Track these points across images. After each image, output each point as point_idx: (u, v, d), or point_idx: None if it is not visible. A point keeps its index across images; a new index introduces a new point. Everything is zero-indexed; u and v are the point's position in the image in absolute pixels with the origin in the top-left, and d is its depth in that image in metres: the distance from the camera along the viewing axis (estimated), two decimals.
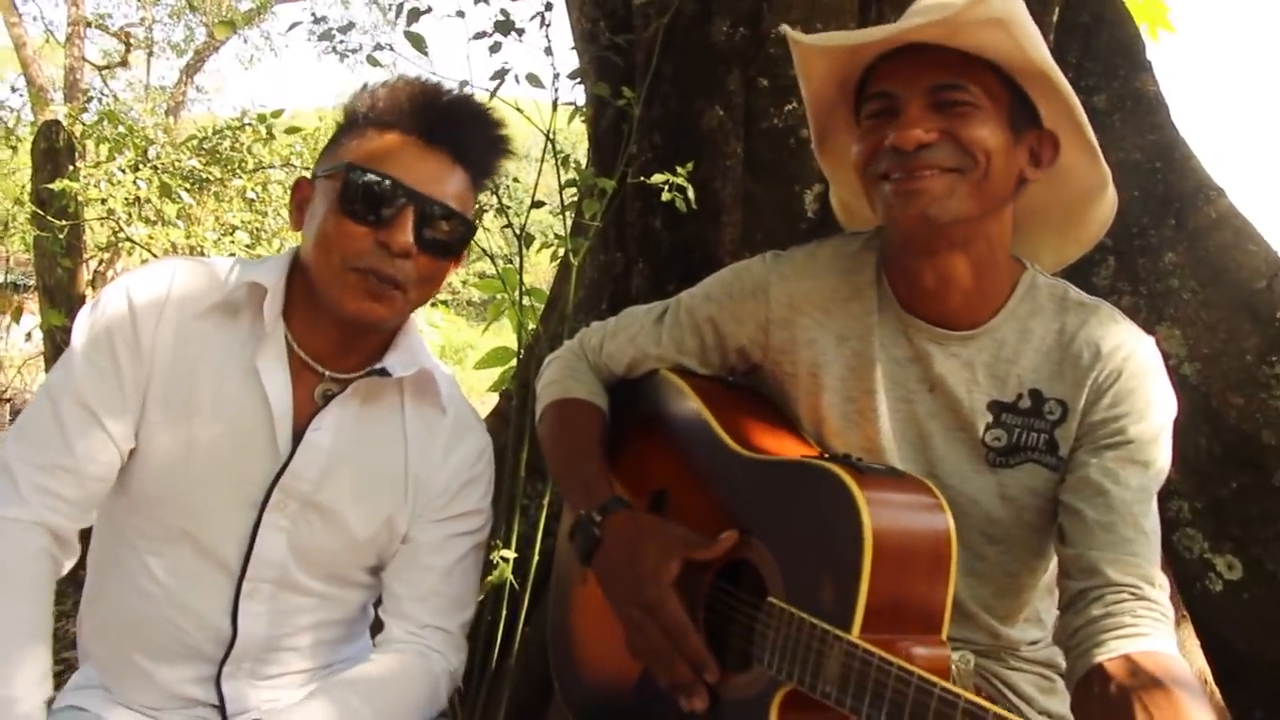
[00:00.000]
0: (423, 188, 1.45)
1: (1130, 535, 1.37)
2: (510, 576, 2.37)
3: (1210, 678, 2.29)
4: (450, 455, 1.63)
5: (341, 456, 1.53)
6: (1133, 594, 1.33)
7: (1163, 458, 1.44)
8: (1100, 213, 1.58)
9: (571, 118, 2.78)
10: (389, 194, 1.43)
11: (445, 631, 1.63)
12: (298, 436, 1.50)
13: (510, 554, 2.37)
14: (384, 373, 1.54)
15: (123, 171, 5.56)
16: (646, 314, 1.75)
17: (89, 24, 18.63)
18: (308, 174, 1.55)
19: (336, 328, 1.51)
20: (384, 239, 1.42)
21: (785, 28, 1.51)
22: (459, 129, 1.50)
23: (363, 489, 1.55)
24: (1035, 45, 1.41)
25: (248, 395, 1.48)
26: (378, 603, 1.68)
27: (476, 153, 1.53)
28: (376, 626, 1.68)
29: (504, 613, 2.41)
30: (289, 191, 1.54)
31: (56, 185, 4.76)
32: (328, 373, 1.54)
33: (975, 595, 1.53)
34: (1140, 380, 1.44)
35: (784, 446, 1.53)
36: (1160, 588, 1.35)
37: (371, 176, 1.43)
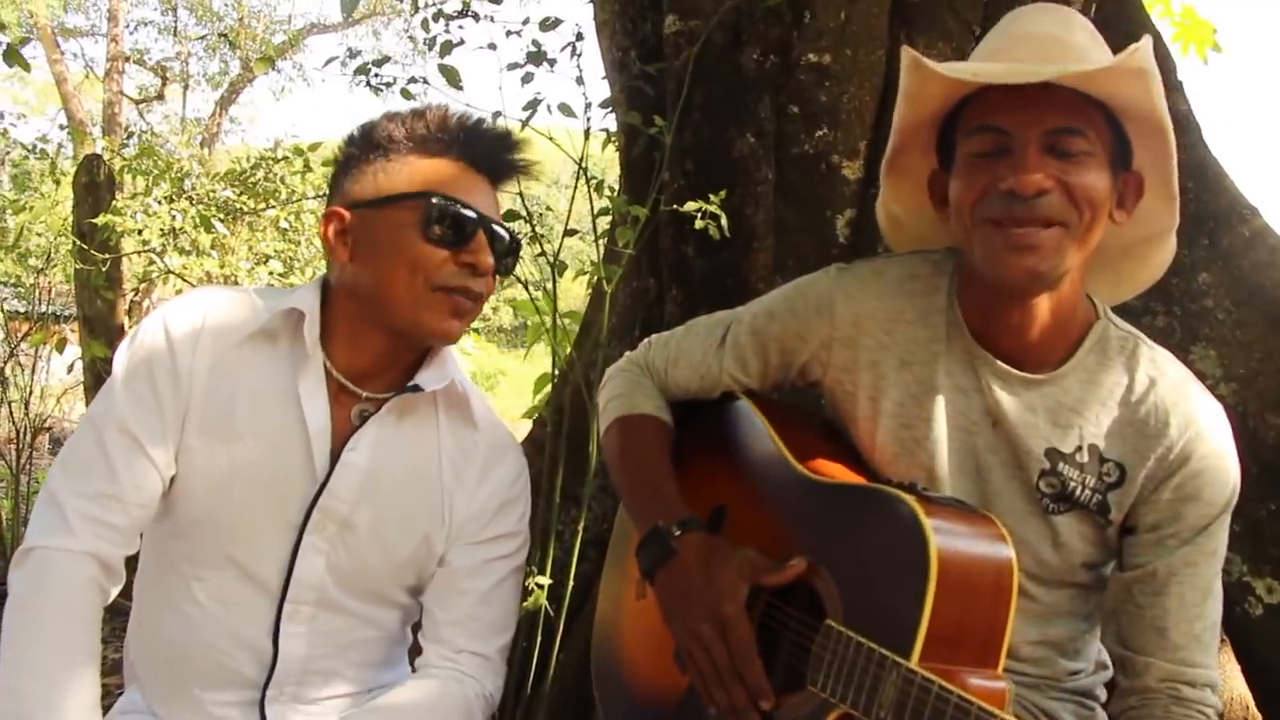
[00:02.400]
0: (487, 213, 1.53)
1: (1181, 642, 1.41)
2: (545, 603, 2.37)
3: (1251, 703, 2.26)
4: (486, 477, 1.65)
5: (378, 476, 1.55)
6: (1169, 694, 1.41)
7: (1225, 536, 1.47)
8: (1161, 256, 1.58)
9: (605, 144, 2.80)
10: (469, 219, 1.50)
11: (482, 656, 1.63)
12: (335, 458, 1.53)
13: (545, 580, 2.38)
14: (417, 389, 1.57)
15: (159, 203, 5.65)
16: (707, 337, 1.73)
17: (128, 59, 18.99)
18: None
19: (384, 348, 1.55)
20: (469, 260, 1.49)
21: (911, 52, 1.44)
22: (500, 157, 1.58)
23: (400, 508, 1.58)
24: (1163, 96, 1.38)
25: (286, 418, 1.51)
26: (416, 627, 1.69)
27: (507, 178, 1.61)
28: (415, 651, 1.69)
29: (539, 639, 2.41)
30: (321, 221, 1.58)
31: (100, 220, 4.84)
32: (365, 394, 1.57)
33: (1021, 632, 1.50)
34: (1209, 462, 1.43)
35: (848, 473, 1.53)
36: (1205, 686, 1.41)
37: (454, 205, 1.49)
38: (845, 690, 1.23)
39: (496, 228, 1.54)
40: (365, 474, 1.54)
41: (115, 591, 1.50)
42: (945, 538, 1.24)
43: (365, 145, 1.55)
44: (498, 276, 1.57)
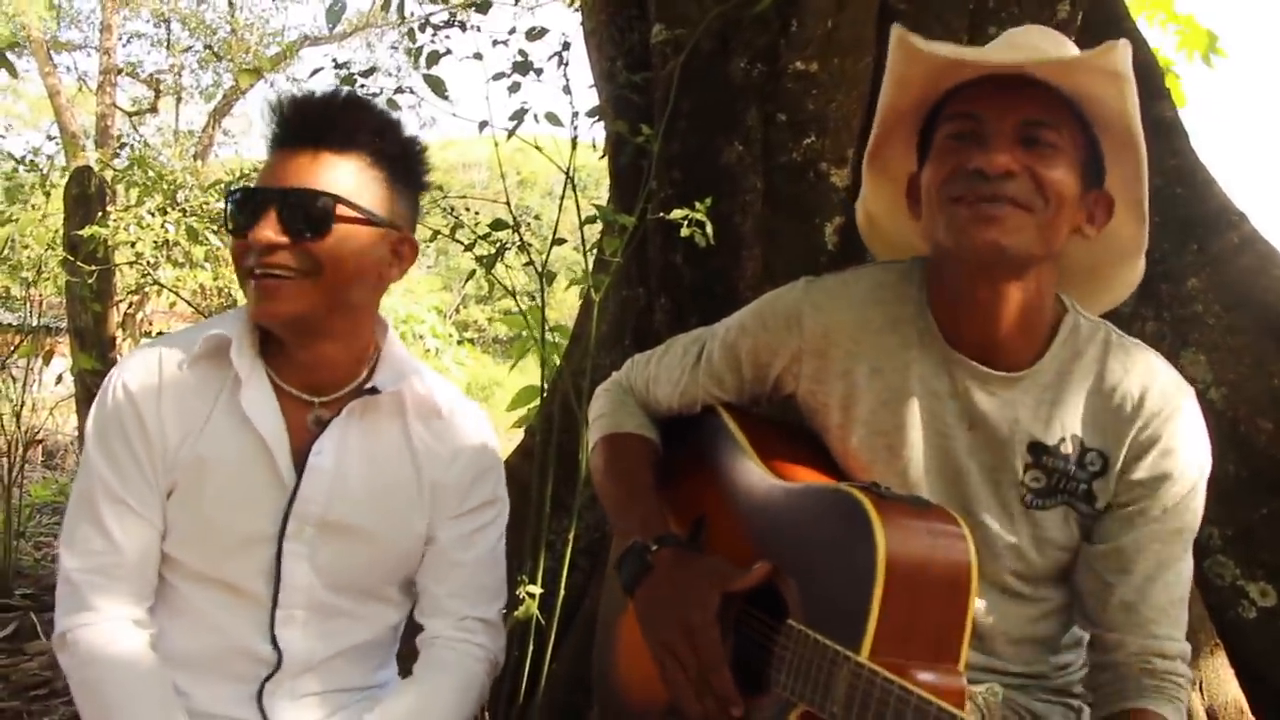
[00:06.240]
0: (283, 183, 1.50)
1: (1151, 616, 1.44)
2: (536, 612, 2.36)
3: (1245, 707, 2.26)
4: (459, 452, 1.69)
5: (347, 475, 1.59)
6: (1141, 668, 1.43)
7: (1195, 516, 1.48)
8: (1129, 276, 1.61)
9: (604, 155, 2.80)
10: (250, 200, 1.50)
11: (484, 621, 1.71)
12: (301, 465, 1.57)
13: (536, 590, 2.37)
14: (374, 391, 1.61)
15: (151, 215, 5.63)
16: (685, 355, 1.75)
17: (120, 72, 18.99)
18: None
19: (304, 355, 1.58)
20: (246, 242, 1.49)
21: (899, 28, 1.46)
22: (314, 122, 1.54)
23: (377, 504, 1.62)
24: (1137, 107, 1.42)
25: (243, 436, 1.55)
26: (410, 631, 1.74)
27: (328, 131, 1.54)
28: (408, 658, 1.72)
29: (530, 649, 2.40)
30: None
31: (87, 232, 4.82)
32: (318, 400, 1.60)
33: (1005, 631, 1.52)
34: (1179, 442, 1.45)
35: (818, 479, 1.54)
36: (1175, 657, 1.43)
37: (237, 194, 1.52)
38: (802, 688, 1.24)
39: (290, 195, 1.49)
40: (333, 475, 1.58)
41: (154, 631, 1.56)
42: (895, 532, 1.24)
43: None
44: (313, 236, 1.49)
